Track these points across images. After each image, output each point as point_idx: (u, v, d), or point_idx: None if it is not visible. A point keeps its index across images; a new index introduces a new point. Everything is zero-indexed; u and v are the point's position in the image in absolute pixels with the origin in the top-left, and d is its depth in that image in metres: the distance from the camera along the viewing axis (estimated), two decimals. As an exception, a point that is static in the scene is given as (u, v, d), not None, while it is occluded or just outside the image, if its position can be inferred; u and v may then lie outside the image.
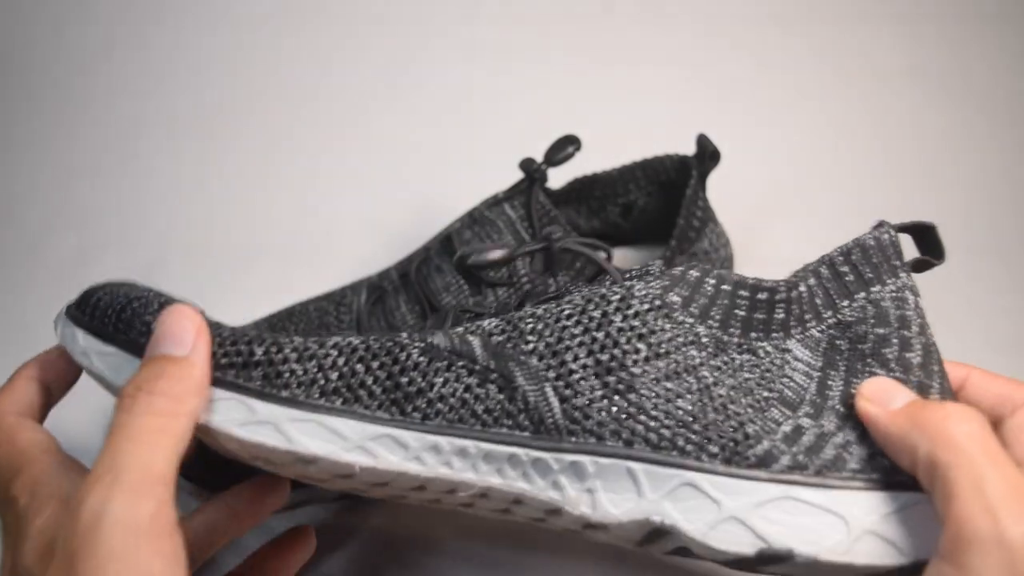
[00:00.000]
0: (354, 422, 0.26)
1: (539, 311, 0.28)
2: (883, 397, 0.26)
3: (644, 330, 0.27)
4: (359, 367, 0.27)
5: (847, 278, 0.29)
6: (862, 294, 0.29)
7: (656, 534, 0.26)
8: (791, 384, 0.27)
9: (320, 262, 0.56)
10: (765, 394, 0.27)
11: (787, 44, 0.70)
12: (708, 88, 0.67)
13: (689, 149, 0.46)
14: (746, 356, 0.28)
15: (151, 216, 0.60)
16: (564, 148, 0.46)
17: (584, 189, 0.50)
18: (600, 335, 0.27)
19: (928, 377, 0.28)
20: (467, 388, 0.26)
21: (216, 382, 0.26)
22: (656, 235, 0.51)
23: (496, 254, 0.35)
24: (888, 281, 0.29)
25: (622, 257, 0.53)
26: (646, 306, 0.28)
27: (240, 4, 0.70)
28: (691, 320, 0.28)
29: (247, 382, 0.26)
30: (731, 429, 0.26)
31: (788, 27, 0.70)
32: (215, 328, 0.27)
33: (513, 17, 0.71)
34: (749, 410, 0.27)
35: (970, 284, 0.55)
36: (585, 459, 0.26)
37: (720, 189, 0.49)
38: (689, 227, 0.45)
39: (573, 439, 0.26)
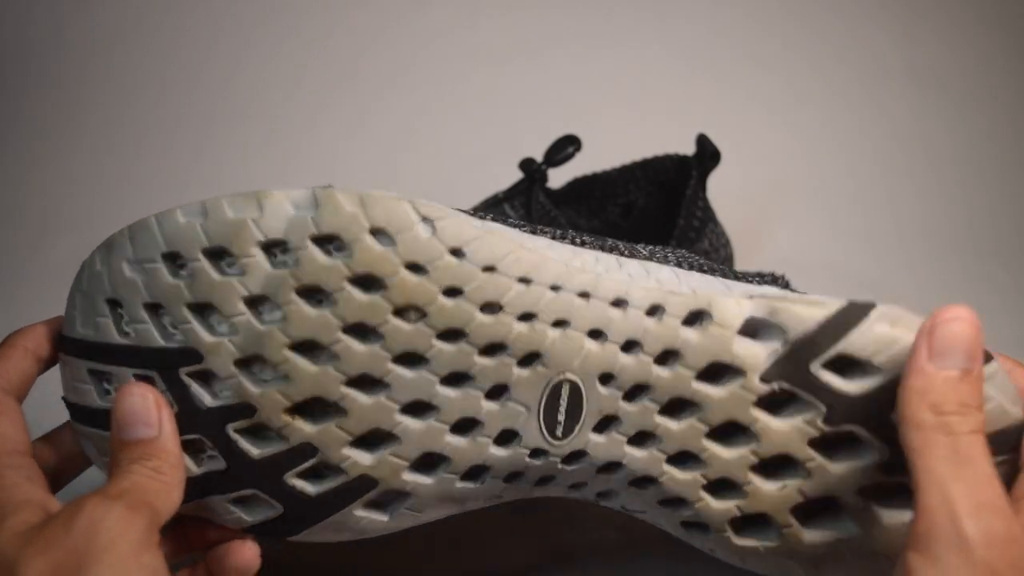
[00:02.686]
0: None
1: None
2: (944, 349, 0.24)
3: None
4: None
5: None
6: None
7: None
8: None
9: (320, 262, 0.56)
10: None
11: (787, 44, 0.70)
12: (708, 88, 0.67)
13: (689, 149, 0.46)
14: None
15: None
16: (564, 148, 0.46)
17: (584, 189, 0.50)
18: None
19: None
20: None
21: None
22: (656, 235, 0.51)
23: None
24: None
25: (622, 257, 0.53)
26: None
27: (241, 4, 0.70)
28: None
29: None
30: None
31: (788, 27, 0.70)
32: None
33: (513, 17, 0.71)
34: None
35: (970, 283, 0.55)
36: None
37: (720, 189, 0.49)
38: (689, 227, 0.45)
39: None
